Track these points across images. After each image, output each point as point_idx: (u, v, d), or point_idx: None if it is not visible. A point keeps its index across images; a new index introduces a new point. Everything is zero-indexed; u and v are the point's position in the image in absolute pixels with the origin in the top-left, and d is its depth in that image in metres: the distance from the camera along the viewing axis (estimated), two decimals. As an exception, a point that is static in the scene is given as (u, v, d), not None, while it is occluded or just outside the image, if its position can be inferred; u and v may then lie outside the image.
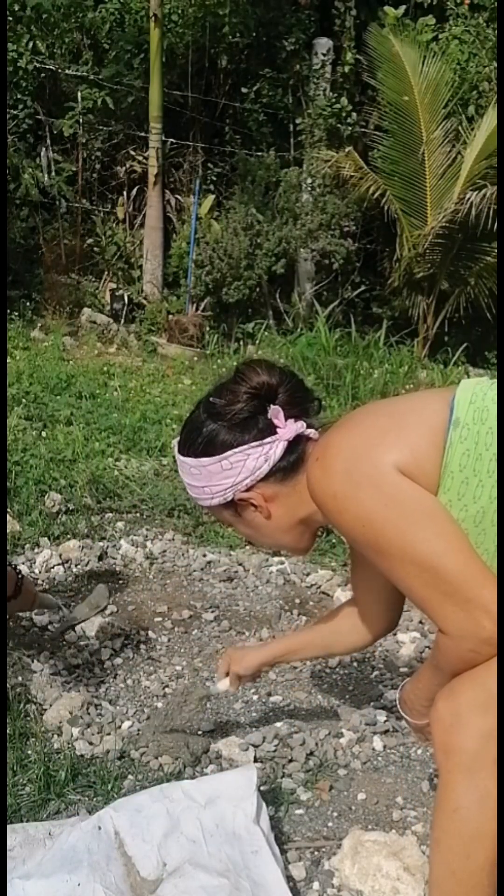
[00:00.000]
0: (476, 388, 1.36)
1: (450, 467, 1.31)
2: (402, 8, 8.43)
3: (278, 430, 1.45)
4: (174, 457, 1.56)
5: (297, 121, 8.72)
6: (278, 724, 2.13)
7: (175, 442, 1.55)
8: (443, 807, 1.26)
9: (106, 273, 8.58)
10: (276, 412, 1.44)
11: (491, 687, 1.22)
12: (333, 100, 8.43)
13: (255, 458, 1.44)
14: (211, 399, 1.48)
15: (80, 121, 8.40)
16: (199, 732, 2.11)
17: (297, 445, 1.46)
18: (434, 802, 1.29)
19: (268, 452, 1.44)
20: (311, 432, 1.48)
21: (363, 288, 8.61)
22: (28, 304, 7.75)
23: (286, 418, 1.45)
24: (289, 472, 1.47)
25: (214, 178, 8.92)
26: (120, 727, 2.11)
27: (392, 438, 1.33)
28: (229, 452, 1.44)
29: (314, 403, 1.52)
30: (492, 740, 1.21)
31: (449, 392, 1.38)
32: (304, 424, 1.47)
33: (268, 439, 1.44)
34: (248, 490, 1.47)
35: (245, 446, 1.44)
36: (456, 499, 1.32)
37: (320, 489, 1.36)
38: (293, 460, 1.46)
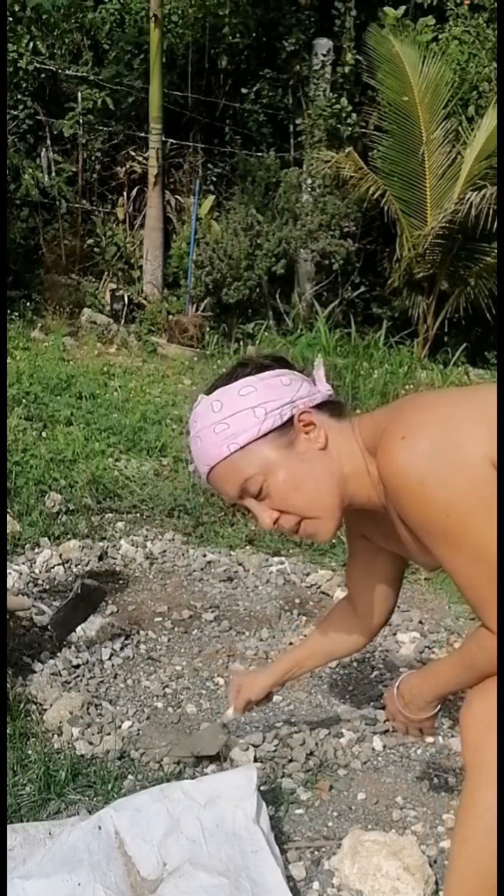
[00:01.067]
0: None
1: None
2: (402, 8, 8.44)
3: (319, 384, 1.42)
4: (196, 415, 1.40)
5: (297, 121, 8.73)
6: (278, 724, 2.13)
7: (197, 402, 1.41)
8: (473, 806, 1.25)
9: (106, 273, 8.59)
10: (319, 364, 1.42)
11: None
12: (333, 100, 8.43)
13: (308, 387, 1.40)
14: (244, 360, 1.43)
15: (80, 121, 8.41)
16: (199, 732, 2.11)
17: (332, 405, 1.43)
18: (461, 801, 1.29)
19: (313, 393, 1.40)
20: (338, 397, 1.46)
21: (363, 288, 8.61)
22: (28, 304, 7.75)
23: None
24: (335, 411, 1.42)
25: (214, 179, 8.92)
26: (120, 727, 2.11)
27: (482, 427, 1.28)
28: (286, 370, 1.39)
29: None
30: None
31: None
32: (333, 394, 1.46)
33: (313, 386, 1.41)
34: (304, 413, 1.37)
35: (298, 374, 1.40)
36: None
37: (403, 471, 1.26)
38: (337, 410, 1.42)
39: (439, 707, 1.49)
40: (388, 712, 1.59)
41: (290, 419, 1.35)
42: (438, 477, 1.24)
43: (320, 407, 1.39)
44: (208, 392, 1.40)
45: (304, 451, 1.36)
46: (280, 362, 1.42)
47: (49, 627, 2.43)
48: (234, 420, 1.33)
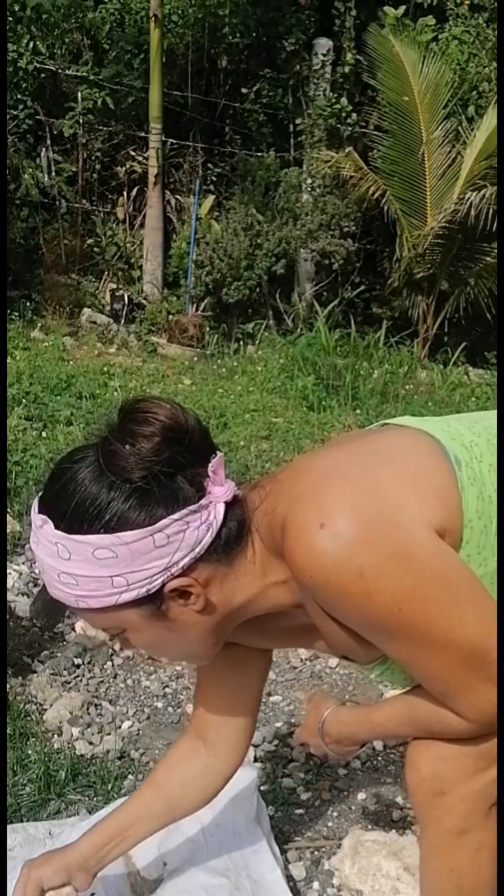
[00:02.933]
0: (437, 425, 1.16)
1: (468, 515, 1.08)
2: (402, 8, 8.44)
3: (213, 488, 1.06)
4: (40, 538, 1.05)
5: (297, 121, 8.73)
6: (278, 724, 2.13)
7: (38, 516, 1.05)
8: (435, 866, 1.17)
9: (106, 273, 8.59)
10: (218, 464, 1.07)
11: (480, 747, 1.11)
12: (333, 100, 8.43)
13: (196, 527, 1.04)
14: (113, 449, 1.02)
15: (80, 121, 8.41)
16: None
17: (233, 509, 1.09)
18: (421, 861, 1.20)
19: (208, 519, 1.06)
20: (239, 491, 1.12)
21: (363, 288, 8.61)
22: (28, 304, 7.75)
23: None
24: (231, 545, 1.09)
25: (214, 179, 8.92)
26: (120, 727, 2.11)
27: (415, 488, 1.06)
28: (165, 522, 1.02)
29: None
30: (484, 798, 1.13)
31: (408, 430, 1.17)
32: (234, 483, 1.10)
33: (203, 501, 1.05)
34: (181, 574, 1.06)
35: (183, 511, 1.03)
36: (475, 552, 1.10)
37: (335, 565, 1.00)
38: (234, 528, 1.09)
39: (362, 748, 1.42)
40: (303, 736, 1.46)
41: (160, 588, 1.05)
42: (378, 565, 1.00)
43: (208, 553, 1.07)
44: (47, 512, 1.05)
45: (176, 617, 1.09)
46: (163, 487, 1.02)
47: (33, 618, 2.43)
48: (85, 581, 1.04)
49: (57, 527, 1.03)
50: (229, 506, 1.08)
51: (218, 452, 1.07)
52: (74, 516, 1.02)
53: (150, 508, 1.02)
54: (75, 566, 1.03)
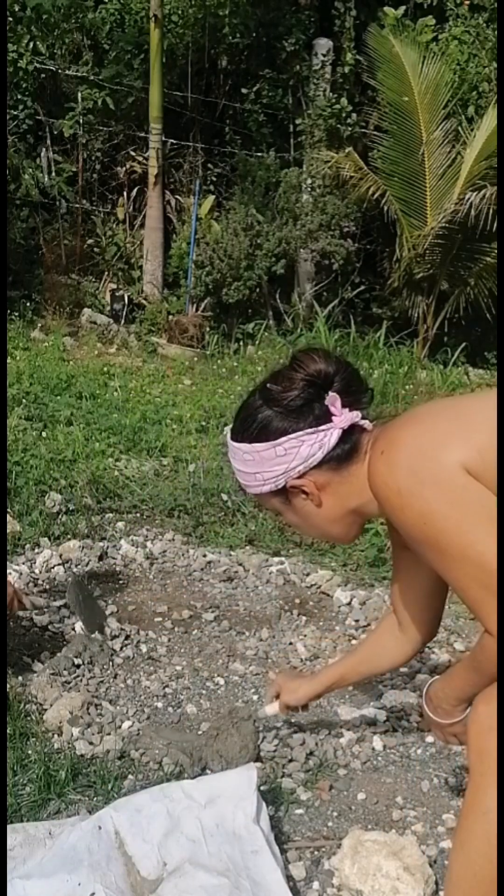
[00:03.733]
0: None
1: None
2: (402, 8, 8.44)
3: (334, 418, 1.43)
4: (226, 443, 1.54)
5: (297, 121, 8.73)
6: (278, 724, 2.13)
7: (227, 428, 1.57)
8: (472, 809, 1.27)
9: (106, 273, 8.59)
10: (333, 399, 1.43)
11: None
12: (333, 100, 8.43)
13: (310, 444, 1.43)
14: (267, 385, 1.47)
15: (81, 121, 8.41)
16: (199, 732, 2.11)
17: (351, 435, 1.45)
18: (463, 804, 1.31)
19: (322, 440, 1.43)
20: (366, 423, 1.47)
21: (363, 288, 8.61)
22: (28, 304, 7.76)
23: (342, 407, 1.45)
24: (342, 461, 1.45)
25: (214, 179, 8.92)
26: (120, 727, 2.11)
27: (459, 437, 1.34)
28: (284, 438, 1.43)
29: (367, 394, 1.50)
30: None
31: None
32: (359, 414, 1.46)
33: (323, 427, 1.43)
34: (300, 477, 1.46)
35: (300, 433, 1.42)
36: None
37: (384, 484, 1.36)
38: (347, 449, 1.45)
39: (467, 711, 1.47)
40: (424, 721, 1.62)
41: (285, 485, 1.47)
42: (412, 487, 1.32)
43: (322, 463, 1.45)
44: (232, 426, 1.53)
45: (301, 507, 1.51)
46: (292, 414, 1.43)
47: (86, 629, 2.52)
48: (242, 475, 1.51)
49: (230, 436, 1.52)
50: (347, 432, 1.44)
51: (331, 393, 1.43)
52: (237, 428, 1.51)
53: (277, 428, 1.44)
54: (238, 463, 1.51)
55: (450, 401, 1.63)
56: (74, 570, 2.98)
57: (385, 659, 1.84)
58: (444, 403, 1.56)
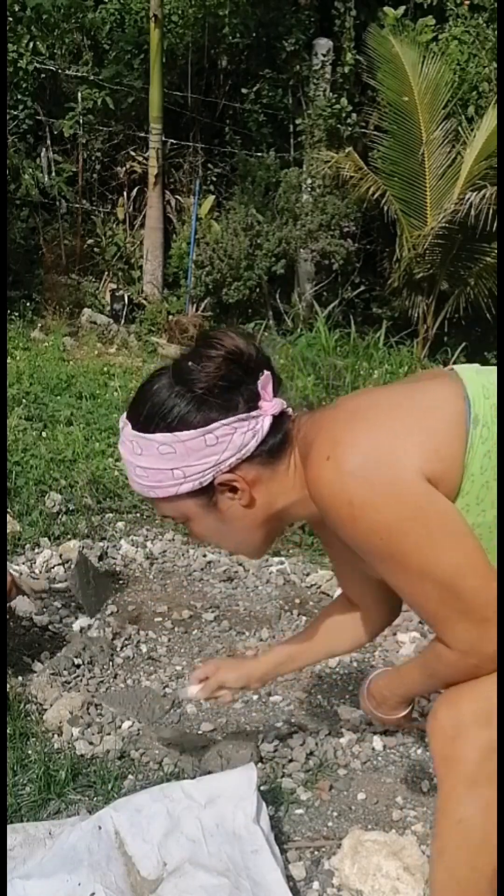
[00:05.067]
0: (483, 380, 1.28)
1: (470, 469, 1.22)
2: (402, 8, 8.44)
3: (263, 402, 1.26)
4: (122, 437, 1.30)
5: (297, 121, 8.73)
6: (278, 724, 2.13)
7: (124, 419, 1.29)
8: (446, 817, 1.24)
9: (106, 273, 8.59)
10: (266, 380, 1.25)
11: (493, 699, 1.20)
12: (333, 100, 8.43)
13: (243, 432, 1.24)
14: (184, 364, 1.25)
15: (81, 121, 8.41)
16: (199, 732, 2.11)
17: (280, 424, 1.28)
18: (435, 813, 1.28)
19: (255, 427, 1.25)
20: (289, 410, 1.32)
21: (363, 288, 8.61)
22: (28, 304, 7.76)
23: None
24: (273, 453, 1.28)
25: (214, 179, 8.93)
26: (120, 727, 2.11)
27: (416, 437, 1.21)
28: (215, 425, 1.22)
29: (281, 380, 1.33)
30: (493, 752, 1.20)
31: (455, 383, 1.28)
32: (283, 401, 1.29)
33: (254, 412, 1.25)
34: (229, 471, 1.26)
35: (232, 418, 1.23)
36: (474, 503, 1.23)
37: (331, 494, 1.20)
38: (278, 440, 1.28)
39: (412, 706, 1.48)
40: (363, 710, 1.58)
41: (212, 482, 1.27)
42: (367, 498, 1.17)
43: (253, 456, 1.27)
44: (129, 417, 1.29)
45: (226, 509, 1.30)
46: (219, 397, 1.23)
47: (83, 607, 2.54)
48: (152, 473, 1.27)
49: (133, 427, 1.26)
50: (277, 420, 1.27)
51: (265, 372, 1.25)
52: (147, 417, 1.25)
53: (205, 413, 1.23)
54: (145, 460, 1.25)
55: (392, 391, 1.42)
56: (81, 550, 2.97)
57: (342, 640, 1.69)
58: (387, 394, 1.37)
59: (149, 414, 1.25)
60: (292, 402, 1.33)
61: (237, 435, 1.24)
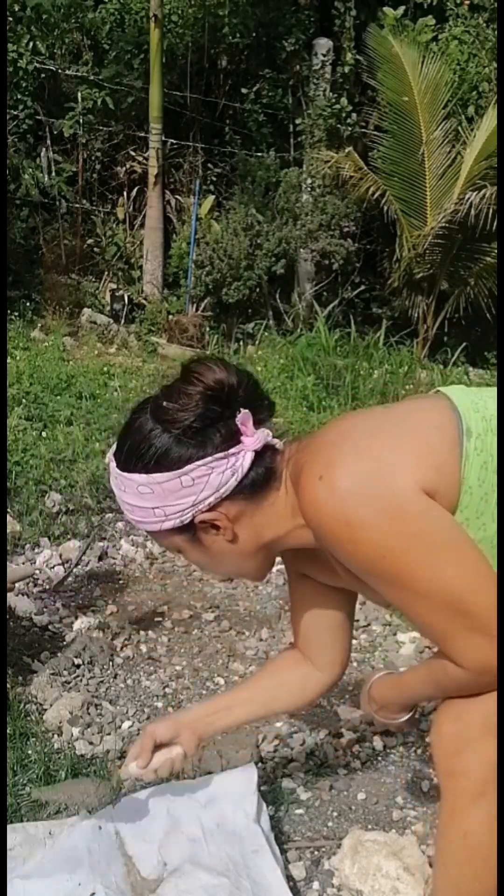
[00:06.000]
0: (471, 395, 1.26)
1: (468, 482, 1.19)
2: (402, 8, 8.44)
3: (244, 438, 1.22)
4: (110, 473, 1.30)
5: (297, 121, 8.74)
6: (278, 724, 2.13)
7: (111, 455, 1.30)
8: (450, 831, 1.23)
9: (106, 273, 8.59)
10: (245, 417, 1.21)
11: (496, 712, 1.20)
12: (333, 100, 8.44)
13: (221, 471, 1.21)
14: (160, 403, 1.23)
15: (81, 121, 8.42)
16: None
17: (263, 457, 1.25)
18: (439, 826, 1.27)
19: (234, 465, 1.22)
20: (276, 442, 1.28)
21: (363, 288, 8.61)
22: (28, 304, 7.76)
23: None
24: (257, 488, 1.25)
25: (214, 179, 8.93)
26: (120, 727, 2.11)
27: (409, 453, 1.18)
28: (190, 466, 1.20)
29: (270, 407, 1.29)
30: (497, 762, 1.19)
31: (441, 400, 1.27)
32: (268, 433, 1.25)
33: (233, 449, 1.21)
34: (210, 510, 1.24)
35: (208, 458, 1.20)
36: (474, 517, 1.20)
37: (327, 515, 1.16)
38: (262, 474, 1.25)
39: (413, 711, 1.48)
40: (364, 712, 1.57)
41: (192, 521, 1.25)
42: (364, 517, 1.14)
43: (234, 492, 1.23)
44: (115, 453, 1.28)
45: (210, 544, 1.28)
46: (195, 437, 1.20)
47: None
48: (136, 510, 1.26)
49: (117, 465, 1.26)
50: (260, 454, 1.24)
51: (243, 410, 1.21)
52: (127, 457, 1.24)
53: (180, 454, 1.20)
54: (129, 497, 1.25)
55: (377, 412, 1.40)
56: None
57: (285, 696, 1.58)
58: (373, 415, 1.37)
59: (128, 453, 1.24)
60: (279, 428, 1.30)
61: (214, 475, 1.21)
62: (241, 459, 1.22)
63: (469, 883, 1.22)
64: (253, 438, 1.22)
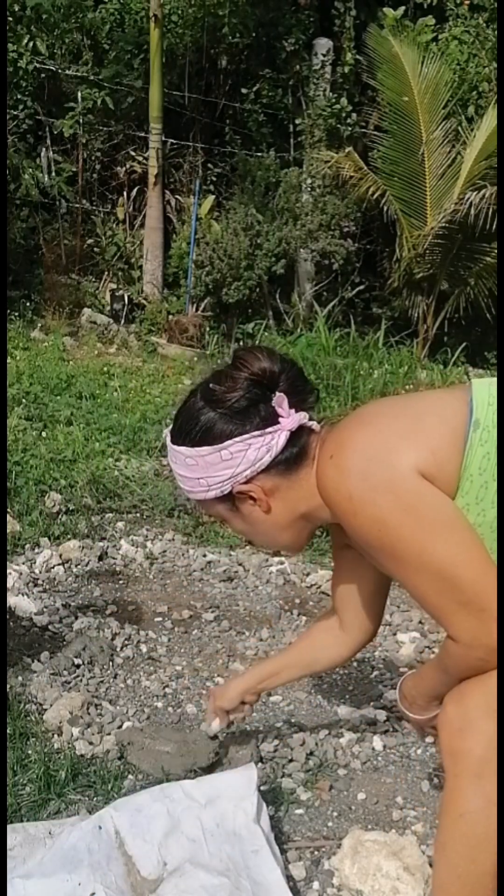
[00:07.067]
0: (492, 389, 1.34)
1: (469, 470, 1.28)
2: (402, 9, 8.44)
3: (281, 419, 1.37)
4: (166, 446, 1.48)
5: (297, 121, 8.73)
6: (278, 724, 2.13)
7: (167, 430, 1.48)
8: (449, 811, 1.26)
9: (106, 273, 8.59)
10: (280, 400, 1.37)
11: (496, 693, 1.22)
12: (333, 100, 8.43)
13: (257, 448, 1.37)
14: (209, 385, 1.39)
15: (81, 121, 8.41)
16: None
17: (299, 437, 1.39)
18: (440, 806, 1.30)
19: (270, 443, 1.37)
20: (313, 424, 1.42)
21: (363, 288, 8.61)
22: (28, 304, 7.75)
23: (289, 407, 1.39)
24: (291, 464, 1.40)
25: (214, 179, 8.92)
26: (120, 727, 2.11)
27: (412, 439, 1.29)
28: (229, 442, 1.36)
29: (313, 394, 1.44)
30: (496, 746, 1.21)
31: (465, 391, 1.35)
32: (306, 415, 1.40)
33: (270, 429, 1.37)
34: (247, 482, 1.39)
35: (246, 435, 1.36)
36: (474, 503, 1.29)
37: (334, 489, 1.31)
38: (296, 452, 1.39)
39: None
40: (401, 713, 1.60)
41: (231, 491, 1.41)
42: (364, 493, 1.27)
43: (270, 467, 1.39)
44: (171, 428, 1.46)
45: (248, 514, 1.45)
46: (236, 416, 1.37)
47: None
48: (185, 480, 1.44)
49: (170, 439, 1.44)
50: (296, 434, 1.39)
51: (278, 393, 1.37)
52: (177, 432, 1.42)
53: (222, 431, 1.37)
54: (179, 468, 1.44)
55: (398, 400, 1.62)
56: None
57: (323, 658, 1.80)
58: (393, 403, 1.53)
59: (178, 429, 1.42)
60: (326, 416, 1.43)
61: (251, 451, 1.37)
62: (276, 438, 1.37)
63: (465, 864, 1.24)
64: (289, 419, 1.37)
